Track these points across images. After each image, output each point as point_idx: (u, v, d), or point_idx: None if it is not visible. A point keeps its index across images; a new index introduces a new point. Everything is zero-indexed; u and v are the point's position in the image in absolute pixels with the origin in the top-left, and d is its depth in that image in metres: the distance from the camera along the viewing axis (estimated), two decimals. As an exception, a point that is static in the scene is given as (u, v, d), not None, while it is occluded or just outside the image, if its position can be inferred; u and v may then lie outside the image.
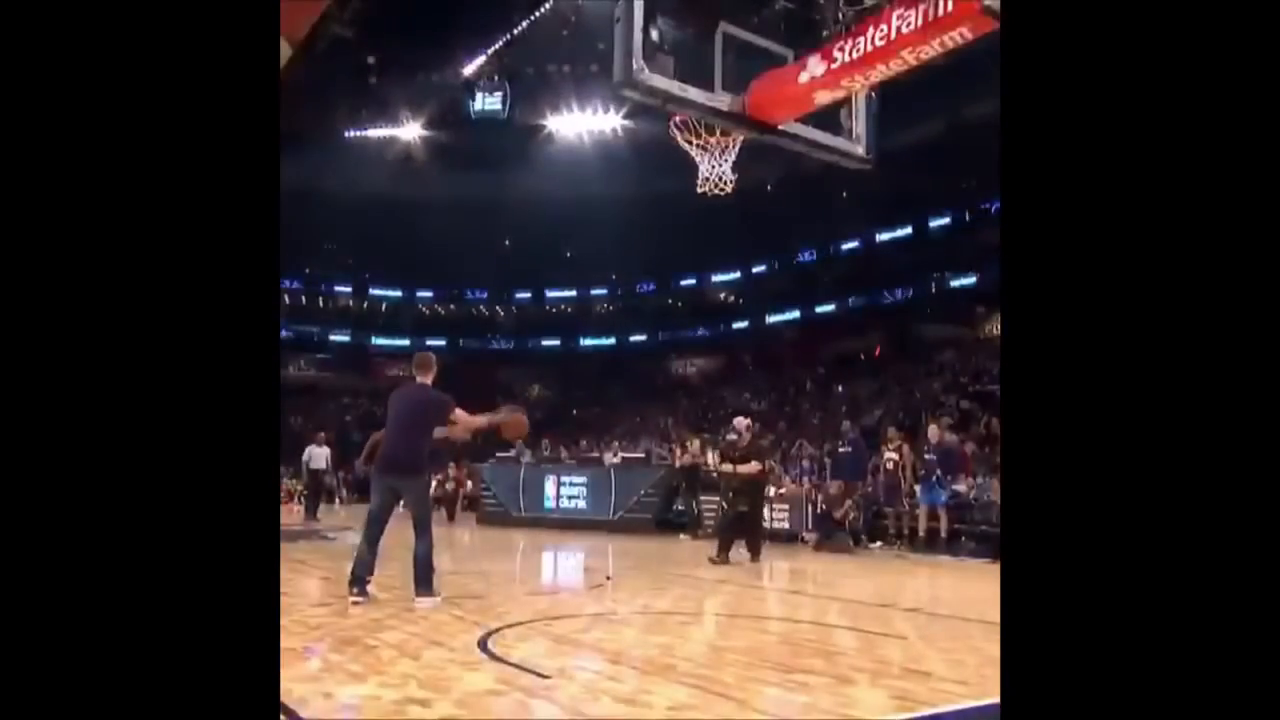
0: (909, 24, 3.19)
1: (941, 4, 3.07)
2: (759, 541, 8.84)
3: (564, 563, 9.31)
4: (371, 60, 29.27)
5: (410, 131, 36.38)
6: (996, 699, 3.22)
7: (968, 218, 28.48)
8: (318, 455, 15.04)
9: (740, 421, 9.42)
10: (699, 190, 4.69)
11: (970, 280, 28.11)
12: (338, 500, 20.60)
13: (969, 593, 7.26)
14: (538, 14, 29.67)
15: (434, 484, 18.66)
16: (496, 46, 32.08)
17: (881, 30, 3.28)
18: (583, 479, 14.32)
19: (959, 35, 3.11)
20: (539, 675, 3.29)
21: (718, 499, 10.77)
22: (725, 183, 4.56)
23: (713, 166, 4.49)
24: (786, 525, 12.20)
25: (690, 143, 4.51)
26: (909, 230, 30.19)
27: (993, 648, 4.26)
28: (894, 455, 11.69)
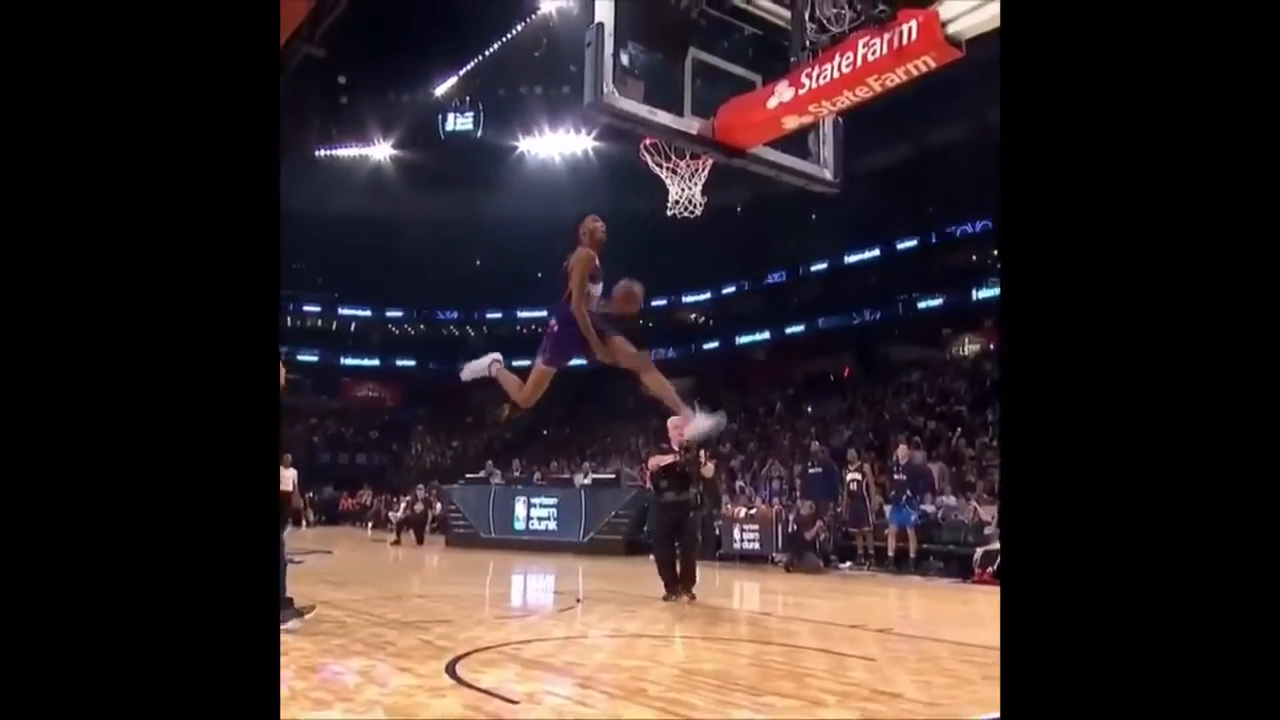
0: (875, 52, 3.24)
1: (906, 33, 3.13)
2: (693, 571, 7.28)
3: (534, 585, 9.25)
4: (343, 80, 29.20)
5: (381, 151, 36.30)
6: (964, 719, 3.24)
7: (934, 240, 28.87)
8: (285, 476, 14.81)
9: (673, 424, 7.17)
10: (669, 213, 4.71)
11: (937, 302, 28.46)
12: (304, 523, 20.31)
13: (938, 613, 7.30)
14: (510, 35, 29.83)
15: (402, 506, 18.53)
16: (469, 67, 32.18)
17: (848, 58, 3.34)
18: (553, 500, 14.25)
19: (923, 64, 3.16)
20: (508, 701, 3.25)
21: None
22: (695, 205, 4.60)
23: (682, 189, 4.52)
24: (757, 546, 12.22)
25: (660, 165, 4.54)
26: (877, 252, 30.54)
27: (961, 668, 4.29)
28: (857, 476, 11.77)
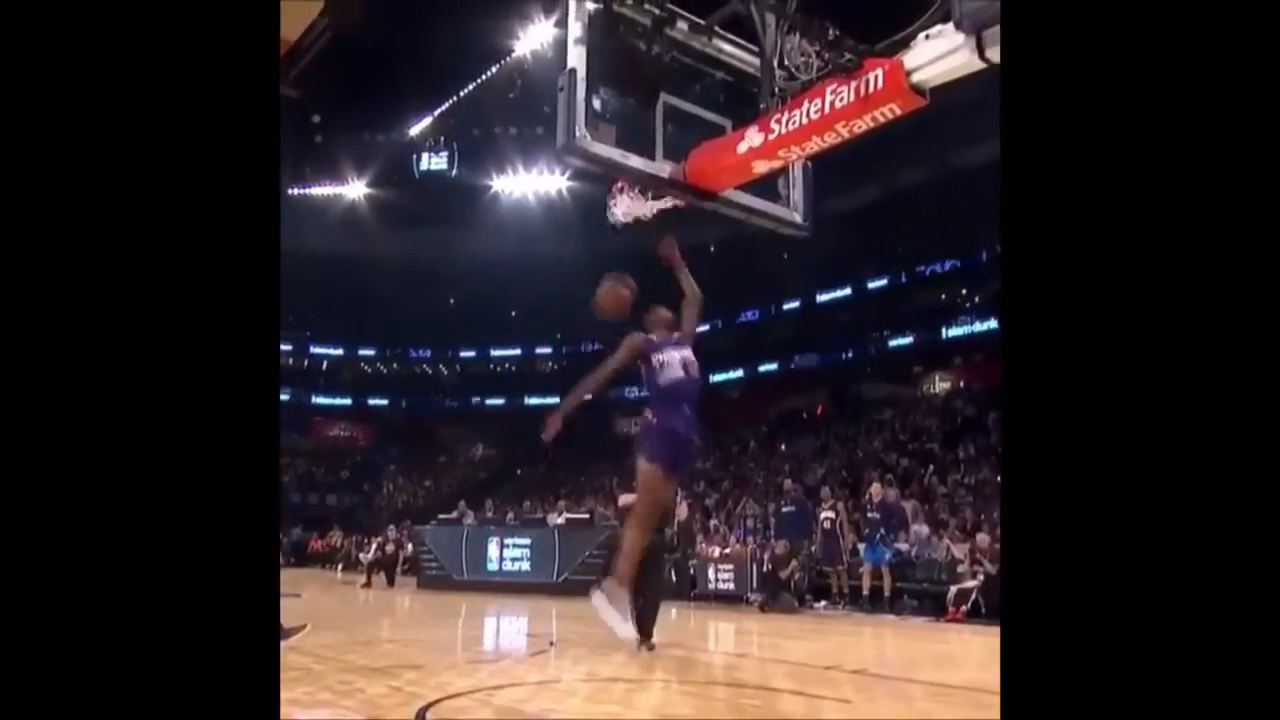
0: (842, 99, 3.31)
1: (873, 81, 3.20)
2: (654, 619, 6.70)
3: (506, 628, 9.11)
4: (317, 119, 29.29)
5: (355, 190, 36.33)
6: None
7: (904, 280, 29.27)
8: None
9: None
10: (610, 221, 4.70)
11: (908, 340, 28.78)
12: (272, 565, 19.89)
13: (912, 652, 7.28)
14: (485, 77, 30.13)
15: (373, 547, 18.25)
16: (443, 108, 32.42)
17: (816, 104, 3.40)
18: (526, 541, 14.11)
19: (889, 110, 3.24)
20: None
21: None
22: (639, 213, 4.55)
23: (626, 212, 4.47)
24: (731, 586, 12.16)
25: (619, 193, 4.53)
26: (848, 291, 30.90)
27: (935, 708, 4.27)
28: (830, 514, 11.79)
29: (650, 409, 4.22)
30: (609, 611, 3.67)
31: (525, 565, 13.87)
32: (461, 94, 31.32)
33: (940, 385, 27.79)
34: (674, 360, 4.25)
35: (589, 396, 4.24)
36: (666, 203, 4.49)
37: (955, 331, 27.45)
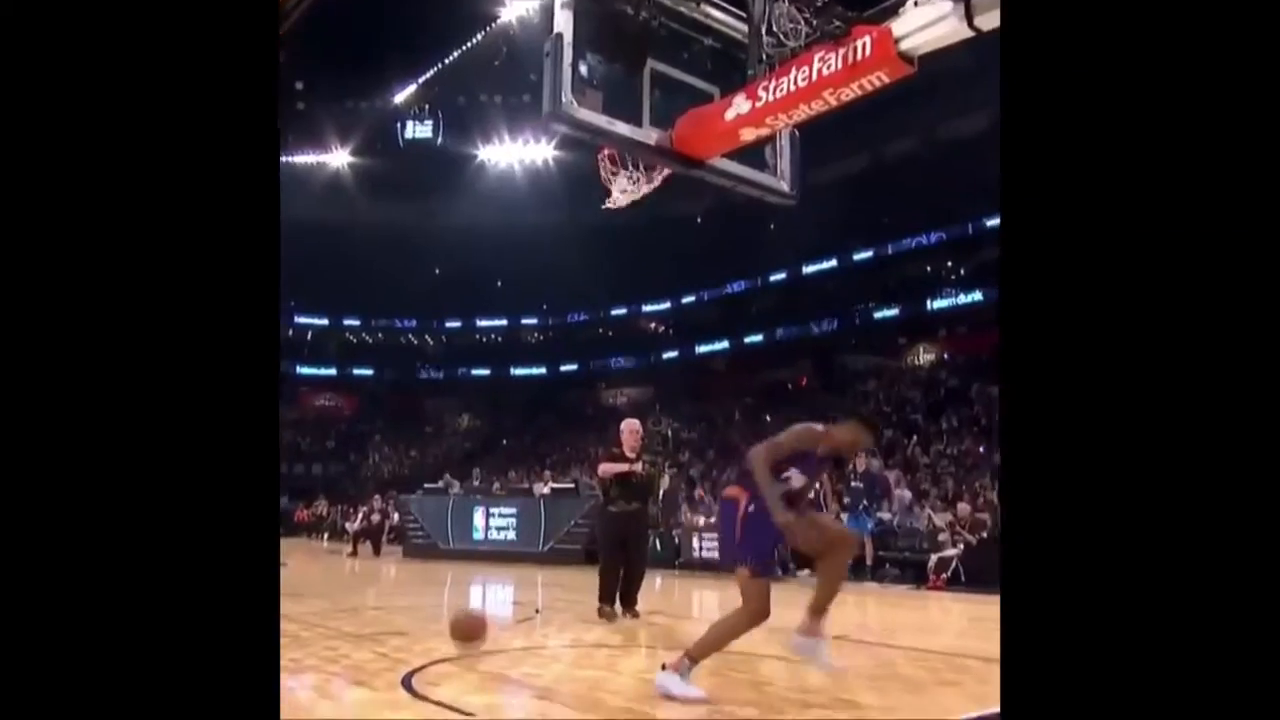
0: (830, 67, 3.29)
1: (860, 49, 3.18)
2: (637, 589, 6.70)
3: (492, 596, 9.17)
4: (299, 85, 28.88)
5: (339, 158, 35.94)
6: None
7: (890, 251, 29.30)
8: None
9: (629, 427, 7.01)
10: (603, 206, 4.70)
11: (893, 312, 28.86)
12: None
13: (894, 620, 7.39)
14: (470, 44, 29.74)
15: (359, 517, 18.27)
16: (428, 75, 32.01)
17: (804, 72, 3.38)
18: (512, 510, 14.16)
19: (877, 78, 3.22)
20: (464, 714, 3.23)
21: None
22: (632, 196, 4.55)
23: (624, 191, 4.48)
24: (716, 555, 12.24)
25: (613, 176, 4.54)
26: (834, 263, 30.89)
27: (917, 674, 4.34)
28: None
29: (748, 493, 3.63)
30: (679, 687, 3.51)
31: (511, 534, 13.94)
32: (446, 61, 30.91)
33: (925, 357, 27.94)
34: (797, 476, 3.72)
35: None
36: (659, 182, 4.47)
37: (940, 304, 27.54)
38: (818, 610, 3.68)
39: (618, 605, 6.56)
